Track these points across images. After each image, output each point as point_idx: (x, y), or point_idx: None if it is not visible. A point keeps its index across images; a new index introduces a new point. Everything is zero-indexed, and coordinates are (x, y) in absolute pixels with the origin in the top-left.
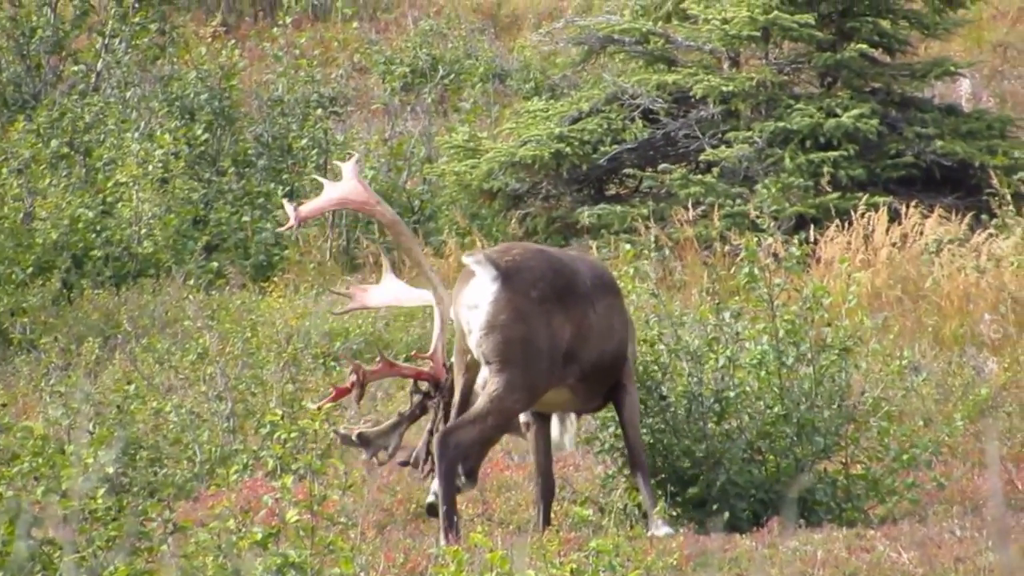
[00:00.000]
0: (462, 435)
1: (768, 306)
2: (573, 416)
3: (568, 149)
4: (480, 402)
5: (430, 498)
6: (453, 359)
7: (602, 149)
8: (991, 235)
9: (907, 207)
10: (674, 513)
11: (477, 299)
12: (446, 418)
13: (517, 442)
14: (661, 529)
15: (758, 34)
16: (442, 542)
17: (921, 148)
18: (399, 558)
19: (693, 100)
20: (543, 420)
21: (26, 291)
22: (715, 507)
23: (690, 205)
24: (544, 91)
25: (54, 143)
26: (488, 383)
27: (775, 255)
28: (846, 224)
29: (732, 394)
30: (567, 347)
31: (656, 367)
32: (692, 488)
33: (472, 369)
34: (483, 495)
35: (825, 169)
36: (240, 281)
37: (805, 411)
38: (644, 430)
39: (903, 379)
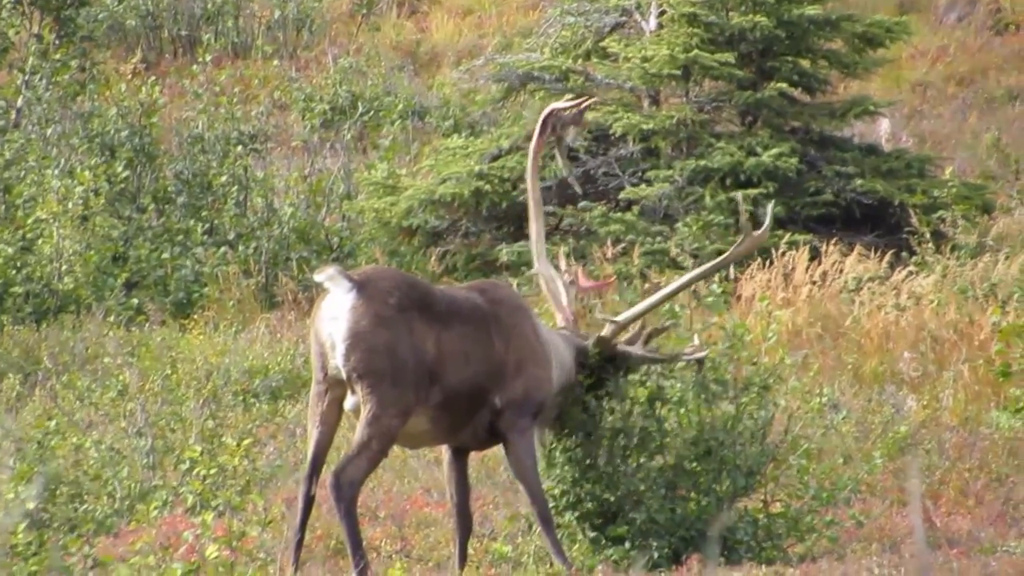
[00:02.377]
0: (352, 471)
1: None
2: (541, 428)
3: (488, 187)
4: (359, 431)
5: None
6: (309, 409)
7: (522, 187)
8: (911, 273)
9: (827, 245)
10: (594, 549)
11: (335, 312)
12: None
13: (436, 479)
14: None
15: (678, 72)
16: None
17: (841, 186)
18: None
19: (613, 138)
20: (459, 455)
21: None
22: (635, 544)
23: (610, 243)
24: (464, 128)
25: None
26: (361, 407)
27: (695, 293)
28: (766, 262)
29: (654, 429)
30: (431, 363)
31: (580, 405)
32: (612, 525)
33: (325, 423)
34: (402, 531)
35: (745, 207)
36: (160, 318)
37: (726, 448)
38: (566, 466)
39: (823, 417)
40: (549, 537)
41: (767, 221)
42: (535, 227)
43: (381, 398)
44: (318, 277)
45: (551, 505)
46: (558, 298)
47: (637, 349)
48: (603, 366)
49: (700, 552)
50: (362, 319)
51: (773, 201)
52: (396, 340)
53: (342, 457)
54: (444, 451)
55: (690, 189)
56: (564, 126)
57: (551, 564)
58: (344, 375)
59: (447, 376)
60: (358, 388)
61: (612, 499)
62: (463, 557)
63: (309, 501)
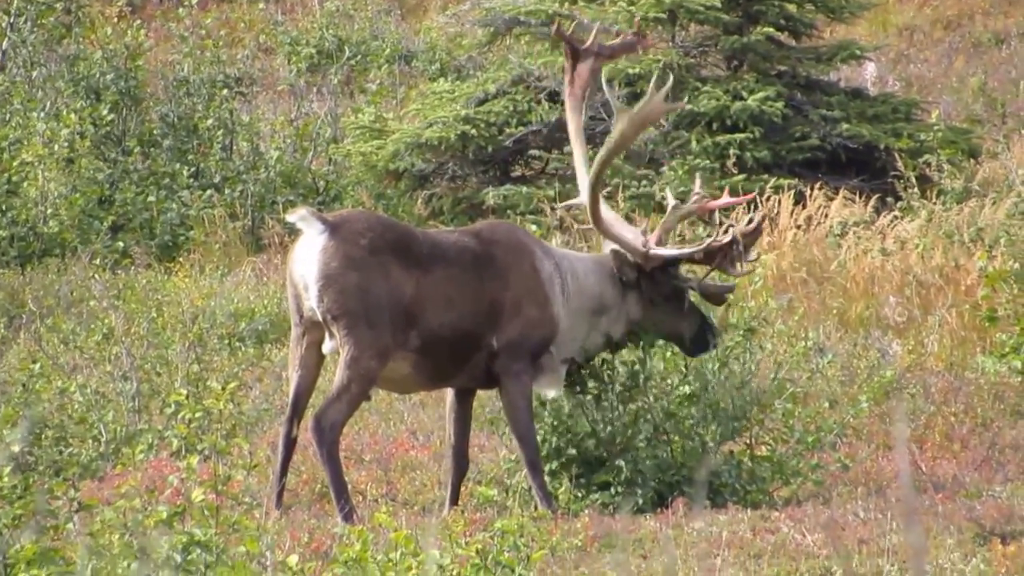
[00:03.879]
0: (332, 414)
1: None
2: (560, 366)
3: (474, 131)
4: (339, 374)
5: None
6: (289, 352)
7: (508, 131)
8: (896, 218)
9: (812, 189)
10: (579, 495)
11: (307, 254)
12: None
13: (422, 422)
14: None
15: (664, 16)
16: (341, 524)
17: (827, 131)
18: (304, 538)
19: (599, 82)
20: (464, 396)
21: None
22: (621, 489)
23: None
24: (450, 73)
25: None
26: (340, 351)
27: (682, 237)
28: (751, 207)
29: (642, 374)
30: (408, 305)
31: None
32: (598, 471)
33: (305, 366)
34: (387, 475)
35: (731, 151)
36: (146, 261)
37: (711, 393)
38: (547, 412)
39: (808, 361)
40: (536, 482)
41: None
42: (579, 154)
43: (358, 340)
44: (290, 217)
45: None
46: (612, 228)
47: (680, 251)
48: (655, 278)
49: (685, 496)
50: (332, 260)
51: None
52: (368, 281)
53: (323, 401)
54: (448, 391)
55: (676, 133)
56: (614, 54)
57: (536, 507)
58: (319, 317)
59: (426, 320)
60: (334, 330)
61: (596, 446)
62: (454, 499)
63: (290, 444)
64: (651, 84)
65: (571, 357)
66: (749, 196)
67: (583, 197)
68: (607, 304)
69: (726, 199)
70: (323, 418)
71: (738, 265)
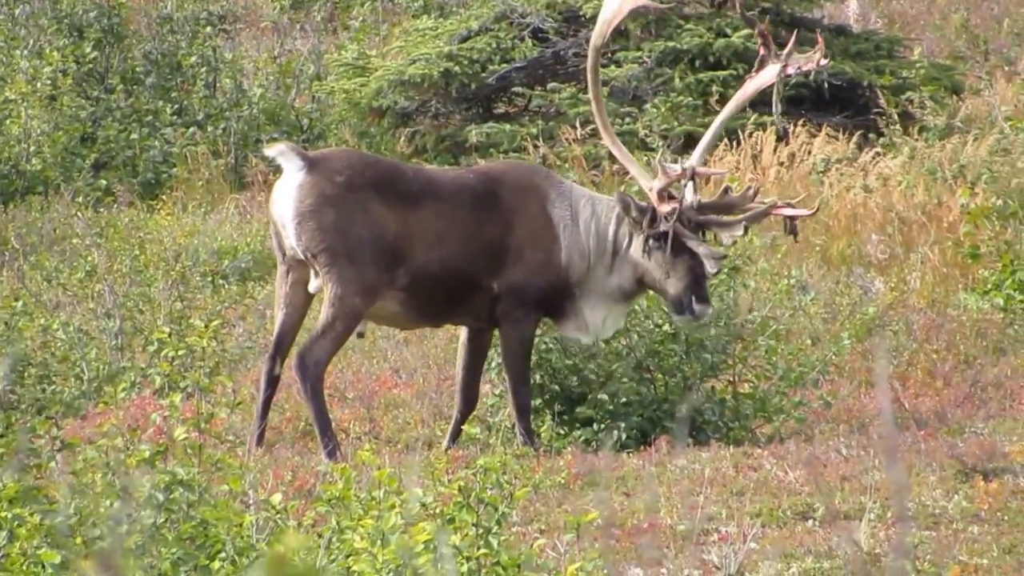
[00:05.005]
0: (317, 351)
1: None
2: (612, 306)
3: (457, 68)
4: (323, 311)
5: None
6: (275, 290)
7: (491, 68)
8: (879, 154)
9: (795, 126)
10: (562, 432)
11: (285, 191)
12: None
13: (405, 360)
14: None
15: None
16: (325, 461)
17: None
18: (287, 476)
19: (583, 19)
20: (477, 335)
21: None
22: (603, 426)
23: (579, 124)
24: (433, 10)
25: None
26: (324, 288)
27: None
28: (734, 143)
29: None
30: (393, 241)
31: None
32: (580, 407)
33: (290, 304)
34: (370, 413)
35: (714, 88)
36: (128, 199)
37: (694, 328)
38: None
39: (791, 298)
40: (521, 424)
41: None
42: (595, 98)
43: (340, 277)
44: (269, 152)
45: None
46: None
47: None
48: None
49: (668, 433)
50: (307, 197)
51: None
52: (346, 218)
53: (307, 338)
54: (461, 328)
55: (659, 71)
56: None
57: (518, 444)
58: (300, 255)
59: (414, 257)
60: (317, 268)
61: (579, 383)
62: (454, 436)
63: (272, 382)
64: None
65: (608, 299)
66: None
67: (607, 138)
68: (619, 245)
69: (790, 209)
70: (307, 355)
71: (727, 236)
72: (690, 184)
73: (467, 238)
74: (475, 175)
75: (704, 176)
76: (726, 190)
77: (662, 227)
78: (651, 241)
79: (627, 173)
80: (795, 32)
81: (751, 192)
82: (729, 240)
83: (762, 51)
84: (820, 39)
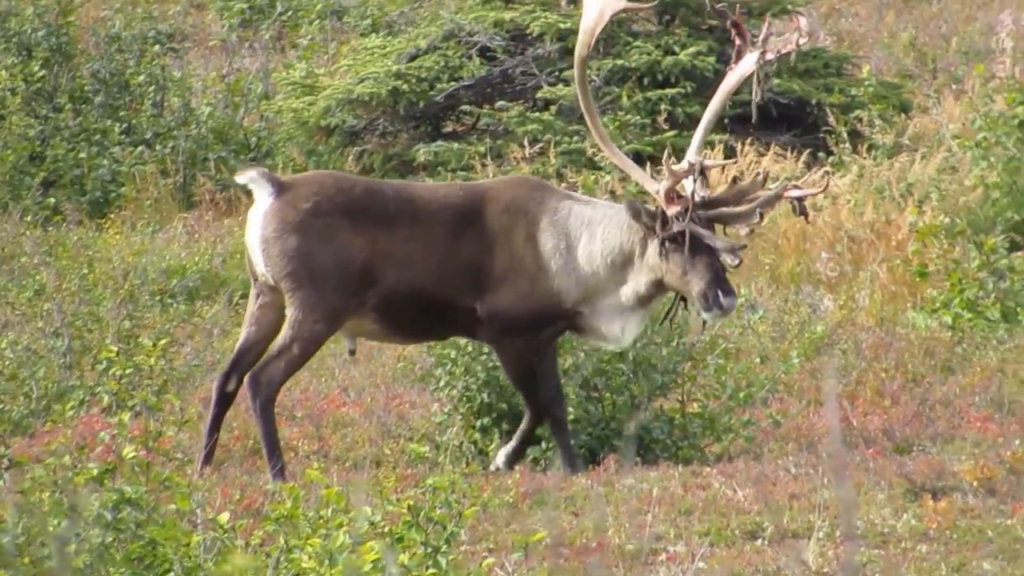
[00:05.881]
0: (271, 372)
1: None
2: (628, 315)
3: (405, 86)
4: (283, 333)
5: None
6: (248, 306)
7: (439, 86)
8: (827, 173)
9: (743, 145)
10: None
11: (254, 216)
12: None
13: (353, 378)
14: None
15: None
16: (272, 481)
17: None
18: (235, 495)
19: (530, 37)
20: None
21: None
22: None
23: (527, 142)
24: (382, 28)
25: None
26: (287, 311)
27: (612, 193)
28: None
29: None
30: (361, 266)
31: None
32: None
33: (255, 323)
34: (319, 431)
35: (662, 107)
36: (77, 218)
37: (641, 348)
38: (480, 367)
39: (740, 317)
40: (558, 440)
41: None
42: (587, 110)
43: (302, 302)
44: (240, 179)
45: (467, 407)
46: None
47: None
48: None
49: (616, 452)
50: (270, 224)
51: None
52: (310, 244)
53: (263, 358)
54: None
55: (607, 89)
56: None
57: (467, 463)
58: (270, 279)
59: (384, 279)
60: (283, 292)
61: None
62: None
63: (223, 398)
64: None
65: (622, 310)
66: (819, 188)
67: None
68: (630, 254)
69: (799, 191)
70: (261, 375)
71: (743, 226)
72: (698, 180)
73: (440, 259)
74: (465, 192)
75: (711, 169)
76: (735, 180)
77: (675, 228)
78: (667, 243)
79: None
80: (767, 17)
81: (760, 179)
82: (746, 230)
83: (737, 41)
84: (796, 19)
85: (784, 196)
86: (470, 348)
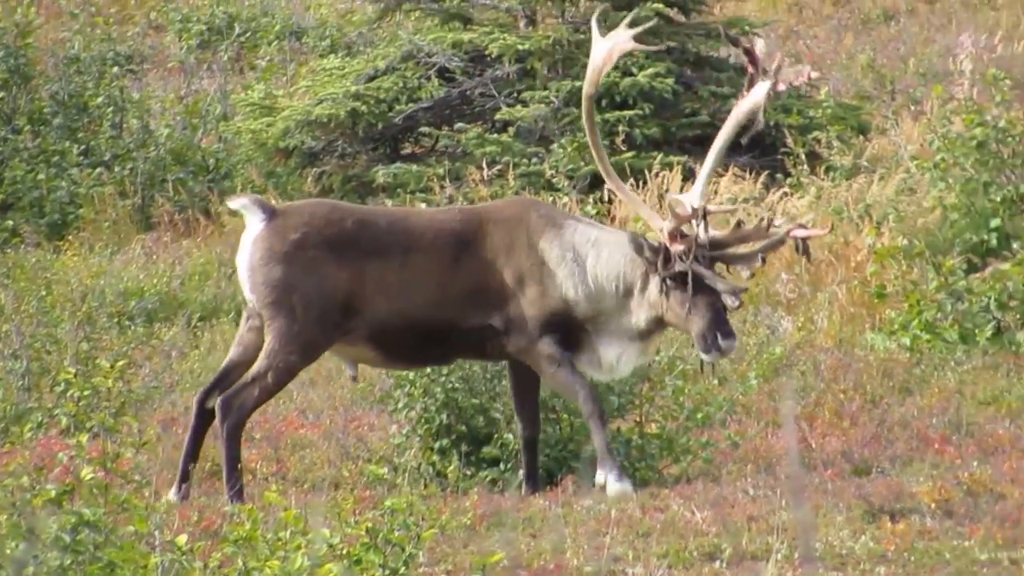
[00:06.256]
0: (244, 397)
1: None
2: (627, 346)
3: (364, 107)
4: (259, 360)
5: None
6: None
7: (398, 108)
8: (786, 194)
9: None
10: (468, 472)
11: (244, 243)
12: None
13: (311, 400)
14: (612, 486)
15: None
16: (228, 501)
17: (716, 107)
18: (194, 516)
19: (489, 59)
20: (513, 364)
21: None
22: (509, 466)
23: (485, 164)
24: (340, 49)
25: None
26: (265, 339)
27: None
28: (640, 183)
29: None
30: (344, 300)
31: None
32: (487, 447)
33: (241, 344)
34: (277, 453)
35: (620, 128)
36: (35, 239)
37: None
38: (438, 389)
39: None
40: (596, 438)
41: None
42: (598, 155)
43: (280, 332)
44: (232, 204)
45: (426, 428)
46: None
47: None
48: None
49: (574, 473)
50: (256, 252)
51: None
52: (293, 276)
53: (237, 383)
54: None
55: (566, 110)
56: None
57: (425, 485)
58: (254, 306)
59: (371, 310)
60: (264, 322)
61: (486, 423)
62: (531, 476)
63: (201, 413)
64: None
65: (622, 339)
66: (825, 231)
67: (610, 182)
68: (630, 285)
69: (804, 231)
70: (233, 399)
71: (744, 268)
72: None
73: (436, 285)
74: (463, 216)
75: (714, 214)
76: (739, 224)
77: (678, 267)
78: (668, 281)
79: None
80: (780, 56)
81: (764, 224)
82: (747, 272)
83: (750, 70)
84: (809, 53)
85: (790, 236)
86: (428, 370)
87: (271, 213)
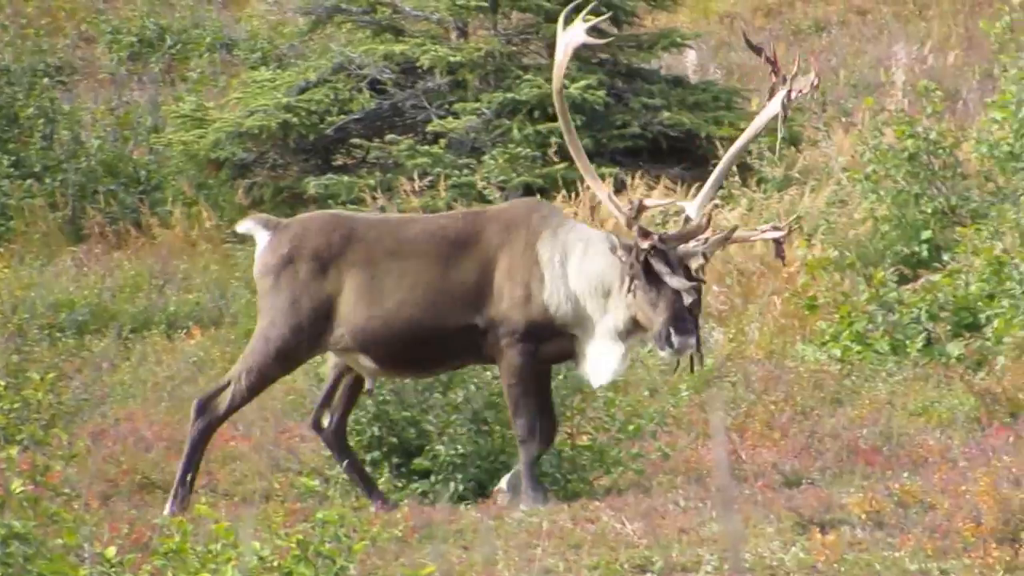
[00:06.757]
0: (219, 400)
1: None
2: (611, 347)
3: (295, 119)
4: (237, 365)
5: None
6: None
7: (329, 119)
8: (717, 206)
9: (633, 178)
10: (399, 484)
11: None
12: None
13: (242, 413)
14: (526, 504)
15: (486, 4)
16: (168, 509)
17: (648, 119)
18: (124, 529)
19: (420, 71)
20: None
21: None
22: (441, 478)
23: (417, 176)
24: (272, 61)
25: None
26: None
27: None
28: (572, 194)
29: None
30: (325, 308)
31: None
32: (418, 459)
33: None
34: (208, 466)
35: (552, 140)
36: None
37: None
38: (369, 401)
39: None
40: (523, 461)
41: None
42: (573, 146)
43: (256, 337)
44: (240, 228)
45: (357, 441)
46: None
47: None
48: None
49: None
50: (256, 265)
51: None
52: (278, 287)
53: (214, 385)
54: None
55: (497, 122)
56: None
57: (357, 498)
58: None
59: (353, 318)
60: None
61: (417, 435)
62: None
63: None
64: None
65: (605, 341)
66: (779, 232)
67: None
68: (609, 286)
69: (778, 232)
70: (208, 401)
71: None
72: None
73: (425, 289)
74: (465, 218)
75: (649, 209)
76: (687, 220)
77: (633, 263)
78: (634, 279)
79: None
80: (796, 56)
81: (705, 220)
82: (693, 267)
83: (773, 79)
84: (814, 60)
85: (762, 237)
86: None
87: (274, 229)
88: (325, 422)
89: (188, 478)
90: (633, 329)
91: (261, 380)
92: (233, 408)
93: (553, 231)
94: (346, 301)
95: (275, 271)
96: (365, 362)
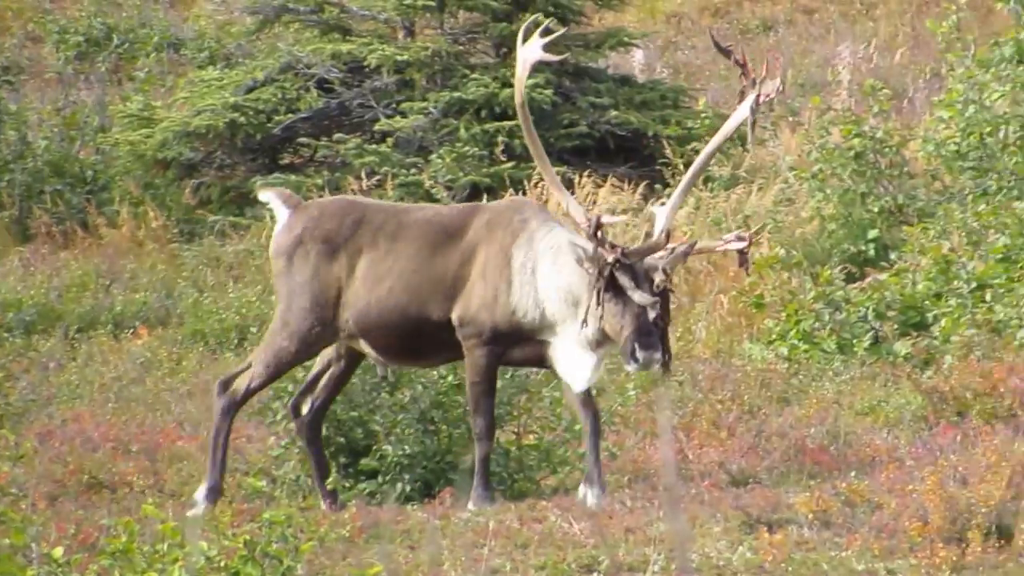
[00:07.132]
0: (240, 381)
1: None
2: (583, 355)
3: (242, 118)
4: (259, 348)
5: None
6: None
7: (276, 119)
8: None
9: (581, 176)
10: (346, 484)
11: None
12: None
13: (189, 412)
14: (474, 502)
15: (433, 4)
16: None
17: (595, 118)
18: (71, 529)
19: (368, 70)
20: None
21: None
22: (388, 478)
23: (364, 175)
24: (219, 60)
25: None
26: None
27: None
28: (521, 193)
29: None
30: (336, 293)
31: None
32: (365, 459)
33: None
34: (155, 466)
35: (500, 139)
36: None
37: None
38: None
39: None
40: (477, 458)
41: None
42: (535, 151)
43: (277, 319)
44: (261, 196)
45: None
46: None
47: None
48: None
49: (452, 485)
50: (272, 246)
51: None
52: (293, 269)
53: (237, 367)
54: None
55: (445, 121)
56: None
57: (304, 498)
58: None
59: (357, 303)
60: None
61: (364, 435)
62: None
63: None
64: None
65: (577, 348)
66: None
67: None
68: (578, 296)
69: (742, 242)
70: (228, 382)
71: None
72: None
73: (410, 274)
74: (460, 210)
75: (608, 225)
76: (647, 234)
77: (598, 275)
78: (599, 293)
79: None
80: (768, 63)
81: (663, 236)
82: (656, 280)
83: (743, 81)
84: (777, 61)
85: (726, 247)
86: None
87: (293, 208)
88: (304, 409)
89: (218, 458)
90: (603, 339)
91: (278, 363)
92: (251, 391)
93: (530, 236)
94: (351, 285)
95: (287, 252)
96: (366, 348)
